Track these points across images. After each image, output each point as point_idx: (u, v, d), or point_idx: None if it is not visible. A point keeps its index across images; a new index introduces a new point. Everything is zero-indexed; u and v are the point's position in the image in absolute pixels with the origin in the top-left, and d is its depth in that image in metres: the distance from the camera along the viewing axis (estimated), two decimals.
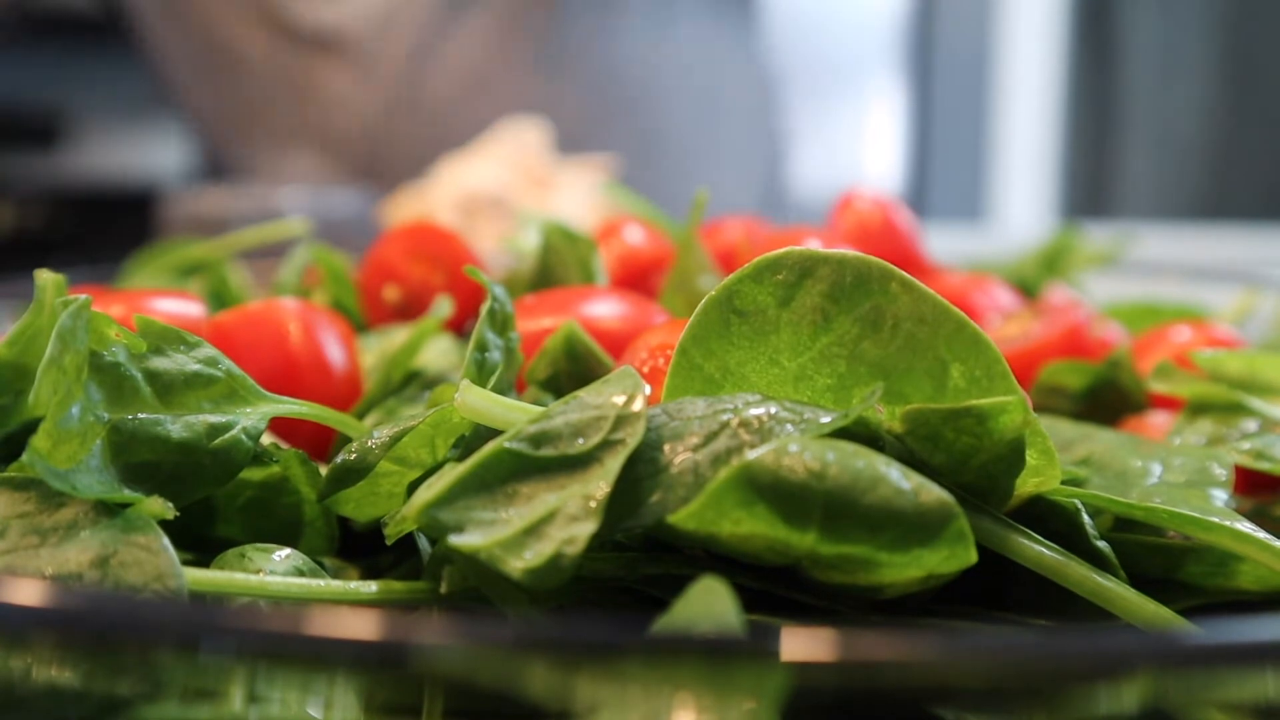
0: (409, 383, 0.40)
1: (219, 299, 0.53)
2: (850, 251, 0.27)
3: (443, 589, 0.26)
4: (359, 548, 0.33)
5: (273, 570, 0.27)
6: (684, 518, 0.23)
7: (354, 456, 0.29)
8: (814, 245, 0.27)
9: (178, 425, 0.29)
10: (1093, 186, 2.52)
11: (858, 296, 0.27)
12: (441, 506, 0.24)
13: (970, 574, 0.25)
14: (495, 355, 0.31)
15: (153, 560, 0.25)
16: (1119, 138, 2.50)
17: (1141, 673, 0.19)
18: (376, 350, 0.42)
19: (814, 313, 0.27)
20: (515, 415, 0.26)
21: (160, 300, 0.40)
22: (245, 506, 0.31)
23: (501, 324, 0.32)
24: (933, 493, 0.23)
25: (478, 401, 0.27)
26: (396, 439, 0.28)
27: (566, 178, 0.85)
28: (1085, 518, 0.27)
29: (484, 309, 0.32)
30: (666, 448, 0.24)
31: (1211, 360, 0.38)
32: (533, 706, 0.19)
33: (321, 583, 0.27)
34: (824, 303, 0.27)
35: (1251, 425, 0.34)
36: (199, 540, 0.31)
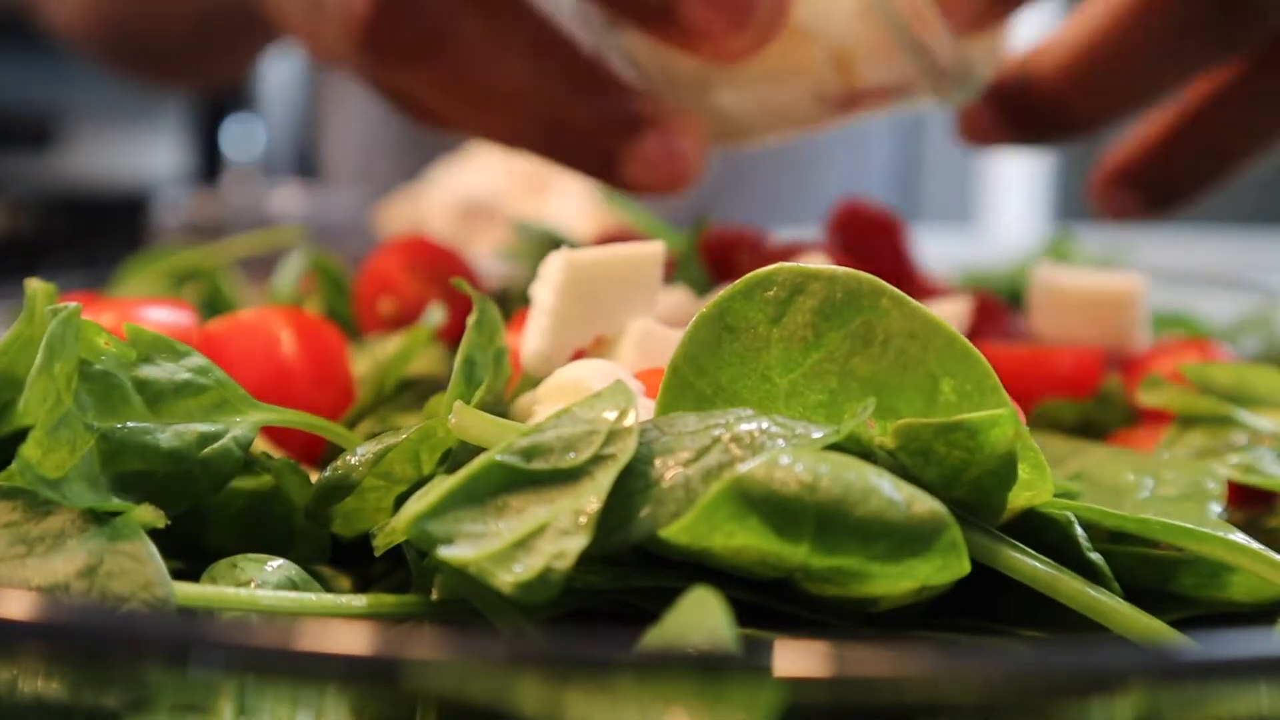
0: (402, 391, 0.40)
1: (212, 306, 0.53)
2: (841, 268, 0.27)
3: (434, 596, 0.26)
4: (352, 555, 0.33)
5: (264, 581, 0.27)
6: (676, 532, 0.23)
7: (339, 473, 0.29)
8: (809, 261, 0.27)
9: (168, 434, 0.29)
10: (1085, 190, 2.53)
11: (848, 312, 0.27)
12: (431, 518, 0.24)
13: (963, 587, 0.25)
14: (483, 367, 0.31)
15: (140, 569, 0.25)
16: (1111, 140, 2.51)
17: (1134, 688, 0.19)
18: (369, 358, 0.42)
19: (805, 329, 0.27)
20: (509, 436, 0.26)
21: (151, 309, 0.40)
22: (236, 515, 0.31)
23: (489, 335, 0.32)
24: (925, 504, 0.24)
25: (471, 423, 0.27)
26: (380, 455, 0.28)
27: (562, 183, 0.85)
28: (1078, 530, 0.27)
29: (470, 320, 0.32)
30: (658, 462, 0.24)
31: (1200, 372, 0.38)
32: None
33: (312, 596, 0.27)
34: (815, 319, 0.27)
35: (1241, 438, 0.35)
36: (190, 549, 0.31)
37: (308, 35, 0.48)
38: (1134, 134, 0.54)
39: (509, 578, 0.23)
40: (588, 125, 0.43)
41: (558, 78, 0.43)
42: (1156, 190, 0.53)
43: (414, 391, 0.40)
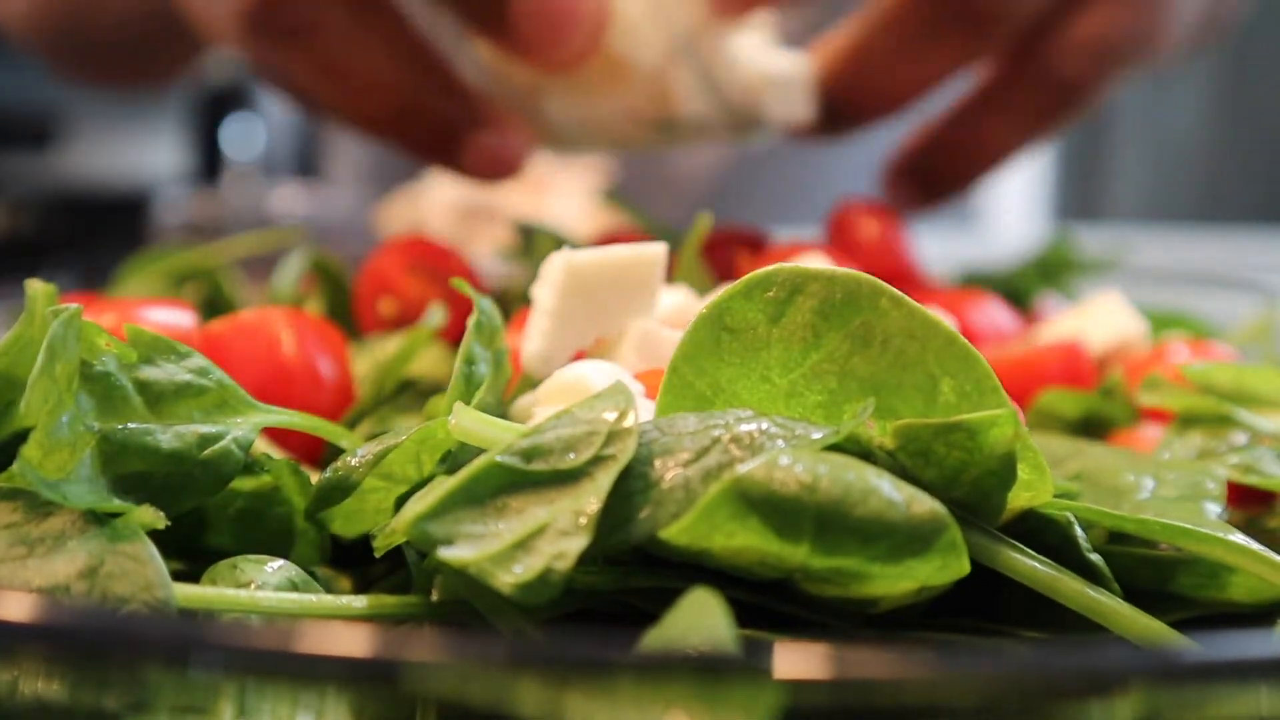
0: (402, 391, 0.40)
1: (212, 306, 0.53)
2: (840, 268, 0.27)
3: (434, 597, 0.26)
4: (352, 556, 0.33)
5: (264, 582, 0.27)
6: (676, 532, 0.23)
7: (339, 474, 0.29)
8: (809, 261, 0.27)
9: (168, 435, 0.29)
10: (1085, 189, 2.53)
11: (848, 313, 0.27)
12: (431, 519, 0.24)
13: (963, 587, 0.25)
14: (482, 368, 0.31)
15: (140, 570, 0.25)
16: (1111, 140, 2.51)
17: (1134, 688, 0.19)
18: (369, 358, 0.42)
19: (804, 329, 0.27)
20: (509, 437, 0.26)
21: (152, 309, 0.40)
22: (236, 516, 0.31)
23: (489, 336, 0.32)
24: (924, 504, 0.24)
25: (471, 424, 0.27)
26: (380, 457, 0.28)
27: (561, 182, 0.85)
28: (1078, 531, 0.27)
29: (471, 321, 0.32)
30: (658, 463, 0.24)
31: (1200, 372, 0.38)
32: None
33: (312, 598, 0.27)
34: (814, 319, 0.27)
35: (1240, 438, 0.35)
36: (190, 550, 0.31)
37: (205, 20, 0.55)
38: (913, 132, 0.61)
39: (509, 578, 0.23)
40: (435, 116, 0.51)
41: (413, 71, 0.51)
42: (929, 184, 0.60)
43: (414, 392, 0.40)
